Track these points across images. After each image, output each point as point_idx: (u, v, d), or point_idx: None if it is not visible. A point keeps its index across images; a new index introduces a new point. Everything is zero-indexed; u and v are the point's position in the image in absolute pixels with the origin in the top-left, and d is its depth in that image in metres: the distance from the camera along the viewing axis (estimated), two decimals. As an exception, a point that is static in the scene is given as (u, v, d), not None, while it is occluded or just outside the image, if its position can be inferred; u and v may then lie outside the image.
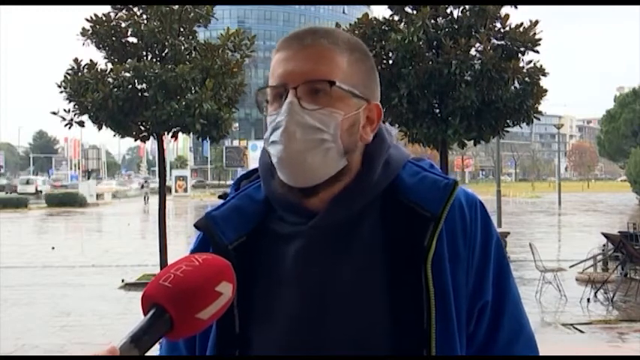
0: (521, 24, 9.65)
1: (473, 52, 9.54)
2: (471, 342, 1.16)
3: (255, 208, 1.21)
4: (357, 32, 9.67)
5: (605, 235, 12.42)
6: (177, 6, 10.83)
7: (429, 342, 1.09)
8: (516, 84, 9.56)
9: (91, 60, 10.72)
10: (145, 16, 10.91)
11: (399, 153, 1.23)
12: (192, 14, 11.04)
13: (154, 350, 1.02)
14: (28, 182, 54.60)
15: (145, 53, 10.94)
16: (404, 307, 1.10)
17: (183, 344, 1.22)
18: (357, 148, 1.17)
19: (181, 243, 17.72)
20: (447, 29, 9.68)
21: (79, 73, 10.53)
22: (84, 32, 10.70)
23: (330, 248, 1.14)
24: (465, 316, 1.15)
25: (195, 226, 1.22)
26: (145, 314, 0.92)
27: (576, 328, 8.51)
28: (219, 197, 1.27)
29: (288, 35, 1.19)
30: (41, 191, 49.55)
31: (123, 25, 10.86)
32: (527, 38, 9.57)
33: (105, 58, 10.98)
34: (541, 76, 9.62)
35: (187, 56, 10.90)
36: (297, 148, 1.11)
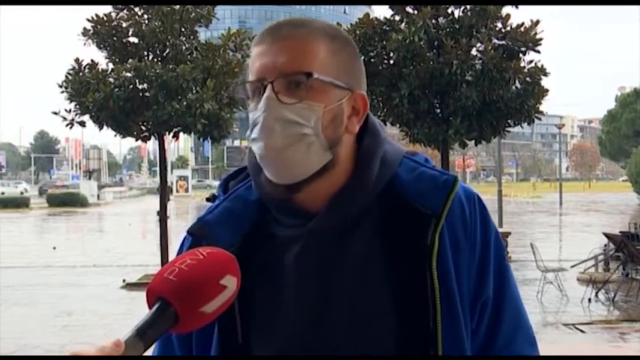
0: (523, 24, 9.65)
1: (474, 52, 9.54)
2: (472, 337, 1.14)
3: (249, 210, 1.17)
4: (358, 32, 9.69)
5: (607, 235, 12.41)
6: (178, 6, 10.84)
7: (436, 342, 1.07)
8: (517, 84, 9.56)
9: (92, 60, 10.74)
10: (146, 16, 10.92)
11: (394, 148, 1.19)
12: (193, 14, 11.05)
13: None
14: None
15: (146, 53, 10.95)
16: (408, 307, 1.08)
17: (178, 349, 1.19)
18: (342, 140, 1.13)
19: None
20: (448, 29, 9.68)
21: (80, 73, 10.55)
22: (85, 32, 10.72)
23: (331, 251, 1.11)
24: (468, 312, 1.13)
25: (189, 232, 1.18)
26: (150, 308, 0.92)
27: (577, 328, 8.50)
28: (207, 200, 1.24)
29: (264, 28, 1.14)
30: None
31: (124, 25, 10.87)
32: (528, 38, 9.57)
33: (106, 58, 10.99)
34: (542, 76, 9.62)
35: (188, 56, 10.91)
36: (278, 144, 1.07)
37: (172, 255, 11.10)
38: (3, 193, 44.53)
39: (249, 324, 1.12)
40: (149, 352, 0.95)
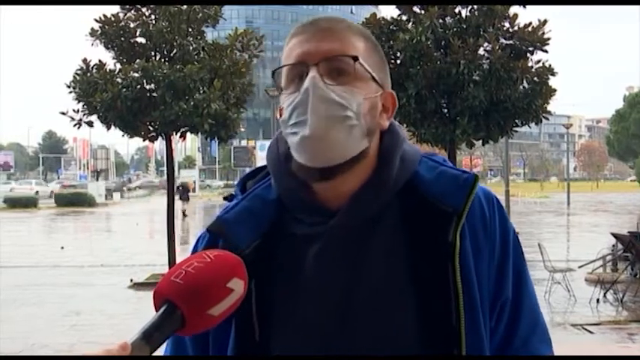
0: (530, 23, 9.62)
1: (481, 51, 9.52)
2: (491, 336, 1.15)
3: (268, 209, 1.17)
4: (365, 32, 9.68)
5: (615, 235, 12.36)
6: (185, 6, 10.86)
7: (459, 339, 1.08)
8: (525, 84, 9.54)
9: (99, 60, 10.77)
10: (153, 17, 10.95)
11: (413, 148, 1.21)
12: (200, 14, 11.07)
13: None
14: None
15: (153, 53, 10.98)
16: (431, 305, 1.09)
17: (191, 347, 1.19)
18: (376, 132, 1.15)
19: (190, 243, 17.72)
20: (455, 29, 9.66)
21: (88, 74, 10.58)
22: (93, 32, 10.75)
23: (352, 248, 1.11)
24: (488, 311, 1.14)
25: (209, 230, 1.18)
26: (157, 310, 0.92)
27: (585, 329, 8.47)
28: (225, 199, 1.24)
29: (302, 22, 1.17)
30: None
31: (131, 25, 10.90)
32: (535, 38, 9.54)
33: (113, 58, 11.02)
34: (550, 76, 9.59)
35: (195, 56, 10.92)
36: (322, 124, 1.07)
37: (179, 255, 11.15)
38: (37, 192, 46.55)
39: (267, 322, 1.12)
40: (158, 353, 0.96)
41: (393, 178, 1.14)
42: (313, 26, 1.14)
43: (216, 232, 1.17)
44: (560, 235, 22.31)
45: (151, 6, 10.88)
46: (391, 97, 1.19)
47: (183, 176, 57.34)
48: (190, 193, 53.50)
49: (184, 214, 29.85)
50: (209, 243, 1.18)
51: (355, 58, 1.11)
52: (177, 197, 30.82)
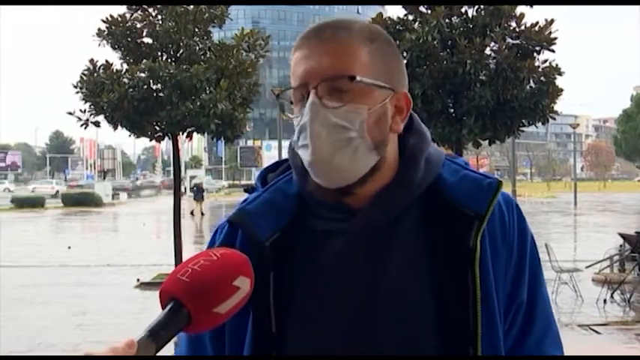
0: (537, 23, 9.59)
1: (488, 51, 9.49)
2: (504, 339, 1.16)
3: (289, 203, 1.17)
4: (371, 32, 9.66)
5: (622, 236, 12.32)
6: (192, 6, 10.87)
7: (476, 342, 1.09)
8: (532, 83, 9.50)
9: (106, 60, 10.78)
10: (160, 17, 10.96)
11: (436, 150, 1.21)
12: (206, 15, 11.07)
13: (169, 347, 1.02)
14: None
15: (160, 54, 10.98)
16: (450, 309, 1.09)
17: (209, 342, 1.19)
18: (388, 140, 1.14)
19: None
20: (461, 29, 9.64)
21: (95, 74, 10.60)
22: (100, 33, 10.77)
23: (372, 248, 1.12)
24: (503, 314, 1.15)
25: (229, 221, 1.18)
26: (163, 309, 0.92)
27: (593, 329, 8.45)
28: (245, 191, 1.25)
29: (305, 32, 1.15)
30: None
31: (138, 25, 10.91)
32: (542, 37, 9.51)
33: (120, 58, 11.03)
34: (557, 76, 9.56)
35: (202, 56, 10.93)
36: (325, 150, 1.07)
37: (186, 255, 11.17)
38: (57, 192, 47.88)
39: (285, 315, 1.12)
40: (167, 352, 0.96)
41: (417, 181, 1.14)
42: (315, 38, 1.12)
43: (237, 222, 1.16)
44: (567, 235, 22.26)
45: (158, 6, 10.90)
46: (404, 96, 1.17)
47: (195, 176, 57.55)
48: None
49: (192, 214, 29.96)
50: (228, 234, 1.19)
51: (352, 78, 1.08)
52: (190, 197, 31.17)
